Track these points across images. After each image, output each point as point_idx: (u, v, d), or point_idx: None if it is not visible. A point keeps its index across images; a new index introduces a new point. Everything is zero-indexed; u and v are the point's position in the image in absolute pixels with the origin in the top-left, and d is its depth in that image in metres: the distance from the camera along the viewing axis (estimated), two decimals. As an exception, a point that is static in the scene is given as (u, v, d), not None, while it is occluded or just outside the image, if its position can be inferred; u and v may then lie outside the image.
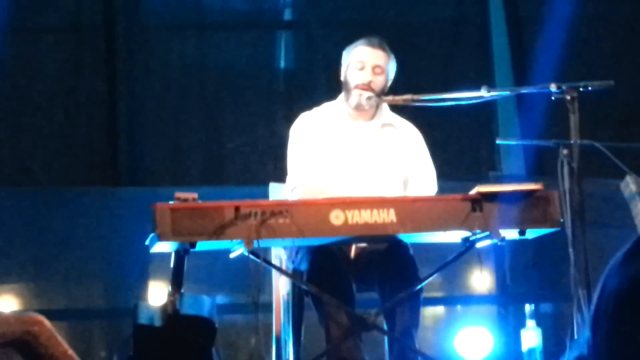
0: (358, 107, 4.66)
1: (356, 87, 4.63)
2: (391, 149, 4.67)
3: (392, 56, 4.70)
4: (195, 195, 3.99)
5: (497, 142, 5.91)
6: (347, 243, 4.35)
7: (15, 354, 4.03)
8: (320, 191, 4.49)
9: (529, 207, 4.07)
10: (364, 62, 4.64)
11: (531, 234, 4.14)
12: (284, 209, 3.99)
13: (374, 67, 4.64)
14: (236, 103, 6.98)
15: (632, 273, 1.63)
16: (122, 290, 6.45)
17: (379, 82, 4.63)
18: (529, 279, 6.51)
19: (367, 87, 4.62)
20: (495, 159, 7.01)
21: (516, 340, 5.69)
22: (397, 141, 4.70)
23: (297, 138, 4.68)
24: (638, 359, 1.61)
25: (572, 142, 4.20)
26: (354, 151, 4.63)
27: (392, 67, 4.70)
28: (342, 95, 4.73)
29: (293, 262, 4.50)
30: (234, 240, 3.99)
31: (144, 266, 6.35)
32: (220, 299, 6.32)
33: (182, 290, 4.10)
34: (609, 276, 1.65)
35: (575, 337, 4.22)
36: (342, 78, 4.72)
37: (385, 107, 4.72)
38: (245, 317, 6.15)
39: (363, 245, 4.42)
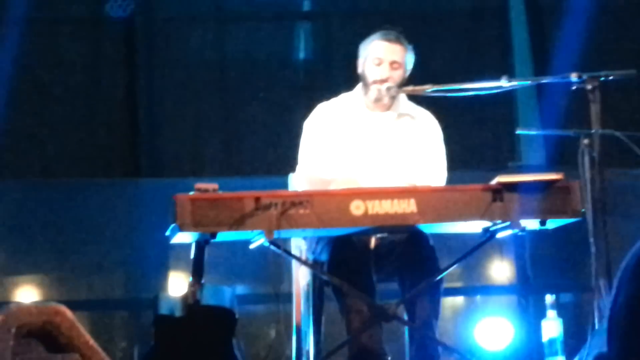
0: (377, 101, 4.66)
1: (374, 82, 4.63)
2: (407, 139, 4.67)
3: (410, 47, 4.69)
4: (216, 186, 3.99)
5: (518, 132, 5.90)
6: (368, 233, 4.35)
7: (38, 344, 4.05)
8: (324, 182, 4.49)
9: (549, 197, 4.06)
10: (382, 58, 4.64)
11: (552, 224, 4.13)
12: (304, 199, 3.99)
13: (391, 63, 4.63)
14: (256, 94, 6.98)
15: None
16: (143, 281, 6.47)
17: (396, 76, 4.63)
18: (550, 269, 6.50)
19: (386, 82, 4.62)
20: (516, 149, 7.00)
21: (537, 330, 5.66)
22: (414, 131, 4.70)
23: (310, 129, 4.70)
24: None
25: (592, 131, 4.18)
26: (371, 141, 4.63)
27: (409, 59, 4.69)
28: (359, 86, 4.73)
29: (313, 253, 4.50)
30: (254, 231, 3.99)
31: (164, 257, 6.37)
32: (241, 289, 6.33)
33: (203, 281, 4.11)
34: (622, 284, 1.63)
35: (596, 327, 4.21)
36: (359, 71, 4.71)
37: (402, 97, 4.71)
38: (265, 308, 6.16)
39: (383, 235, 4.42)
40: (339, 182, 4.40)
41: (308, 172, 4.61)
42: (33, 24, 6.71)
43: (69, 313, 4.11)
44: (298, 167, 4.67)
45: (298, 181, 4.62)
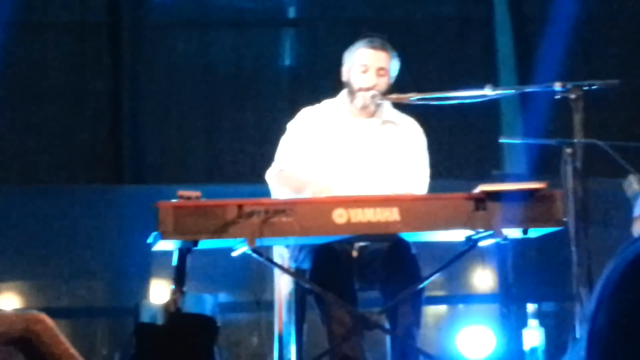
0: (364, 109, 4.66)
1: (360, 89, 4.63)
2: (390, 146, 4.67)
3: (394, 54, 4.70)
4: (199, 193, 3.99)
5: (501, 140, 5.90)
6: (350, 242, 4.34)
7: (17, 352, 4.03)
8: (299, 182, 4.48)
9: (532, 206, 4.06)
10: (367, 65, 4.64)
11: (534, 232, 4.14)
12: (287, 207, 3.99)
13: (377, 70, 4.63)
14: (240, 101, 6.98)
15: (624, 305, 1.61)
16: (124, 289, 6.45)
17: (382, 83, 4.63)
18: (532, 278, 6.50)
19: (372, 89, 4.62)
20: (499, 157, 7.00)
21: (518, 339, 5.66)
22: (397, 138, 4.70)
23: (293, 130, 4.71)
24: None
25: (575, 141, 4.19)
26: (354, 148, 4.64)
27: (394, 66, 4.69)
28: (343, 93, 4.73)
29: (295, 261, 4.50)
30: (236, 239, 3.99)
31: (146, 264, 6.35)
32: (223, 297, 6.32)
33: (185, 289, 4.10)
34: (602, 299, 1.62)
35: (578, 336, 4.21)
36: (344, 79, 4.71)
37: (387, 104, 4.72)
38: (247, 316, 6.15)
39: (366, 243, 4.41)
40: (314, 186, 4.38)
41: (284, 170, 4.61)
42: (17, 29, 6.69)
43: (49, 321, 4.10)
44: (274, 163, 4.67)
45: (272, 177, 4.61)
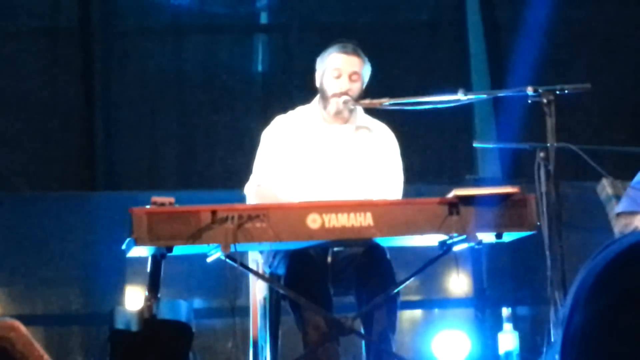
0: (337, 114, 4.66)
1: (334, 95, 4.63)
2: (365, 151, 4.68)
3: (366, 59, 4.70)
4: (172, 199, 3.98)
5: (475, 145, 5.92)
6: (324, 247, 4.35)
7: (-9, 360, 4.01)
8: (273, 197, 4.49)
9: (505, 211, 4.08)
10: (340, 70, 4.64)
11: (508, 237, 4.15)
12: (260, 212, 3.98)
13: (350, 75, 4.64)
14: (213, 106, 6.96)
15: (600, 307, 1.61)
16: (99, 295, 6.42)
17: (355, 88, 4.64)
18: (506, 282, 6.53)
19: (345, 95, 4.62)
20: (473, 161, 7.02)
21: (493, 343, 5.69)
22: (371, 144, 4.70)
23: (266, 141, 4.70)
24: None
25: (548, 145, 4.21)
26: (328, 154, 4.64)
27: (367, 71, 4.70)
28: (316, 99, 4.73)
29: (270, 267, 4.50)
30: (210, 245, 3.98)
31: (120, 271, 6.33)
32: (197, 303, 6.30)
33: (159, 295, 4.09)
34: (577, 303, 1.62)
35: (552, 339, 4.22)
36: (317, 85, 4.71)
37: (359, 110, 4.72)
38: (222, 322, 6.13)
39: (340, 249, 4.42)
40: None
41: (261, 186, 4.60)
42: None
43: (23, 328, 4.07)
44: (252, 177, 4.67)
45: (250, 192, 4.61)
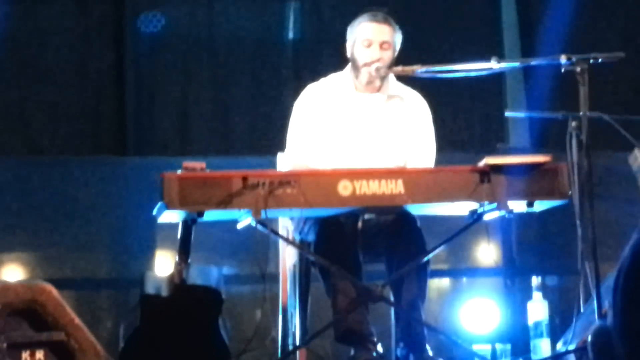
0: (369, 84, 4.65)
1: (365, 64, 4.61)
2: (396, 120, 4.66)
3: (397, 27, 4.67)
4: (204, 164, 3.99)
5: (506, 114, 5.89)
6: (355, 214, 4.34)
7: (23, 322, 4.05)
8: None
9: (537, 179, 4.07)
10: (371, 40, 4.62)
11: (539, 206, 4.14)
12: (292, 179, 3.99)
13: (381, 44, 4.62)
14: (244, 73, 6.96)
15: None
16: (129, 260, 6.45)
17: (387, 57, 4.62)
18: (536, 251, 6.51)
19: (376, 63, 4.60)
20: (504, 131, 7.00)
21: (522, 312, 5.68)
22: (403, 113, 4.69)
23: (300, 112, 4.68)
24: None
25: (580, 114, 4.18)
26: (360, 123, 4.63)
27: (398, 40, 4.68)
28: (348, 67, 4.71)
29: (300, 233, 4.50)
30: (241, 210, 3.99)
31: (151, 236, 6.35)
32: (227, 269, 6.32)
33: (189, 261, 4.11)
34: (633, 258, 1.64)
35: (582, 310, 4.22)
36: (348, 54, 4.69)
37: (392, 78, 4.71)
38: (252, 288, 6.15)
39: (371, 216, 4.41)
40: None
41: (296, 160, 4.59)
42: (20, 3, 6.68)
43: (54, 291, 4.11)
44: (286, 150, 4.66)
45: (285, 166, 4.61)
